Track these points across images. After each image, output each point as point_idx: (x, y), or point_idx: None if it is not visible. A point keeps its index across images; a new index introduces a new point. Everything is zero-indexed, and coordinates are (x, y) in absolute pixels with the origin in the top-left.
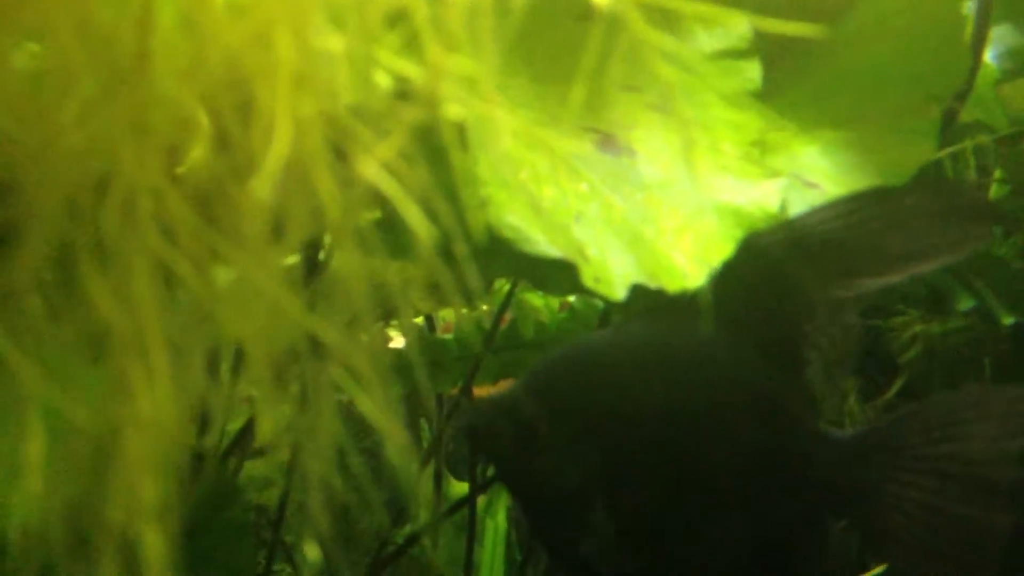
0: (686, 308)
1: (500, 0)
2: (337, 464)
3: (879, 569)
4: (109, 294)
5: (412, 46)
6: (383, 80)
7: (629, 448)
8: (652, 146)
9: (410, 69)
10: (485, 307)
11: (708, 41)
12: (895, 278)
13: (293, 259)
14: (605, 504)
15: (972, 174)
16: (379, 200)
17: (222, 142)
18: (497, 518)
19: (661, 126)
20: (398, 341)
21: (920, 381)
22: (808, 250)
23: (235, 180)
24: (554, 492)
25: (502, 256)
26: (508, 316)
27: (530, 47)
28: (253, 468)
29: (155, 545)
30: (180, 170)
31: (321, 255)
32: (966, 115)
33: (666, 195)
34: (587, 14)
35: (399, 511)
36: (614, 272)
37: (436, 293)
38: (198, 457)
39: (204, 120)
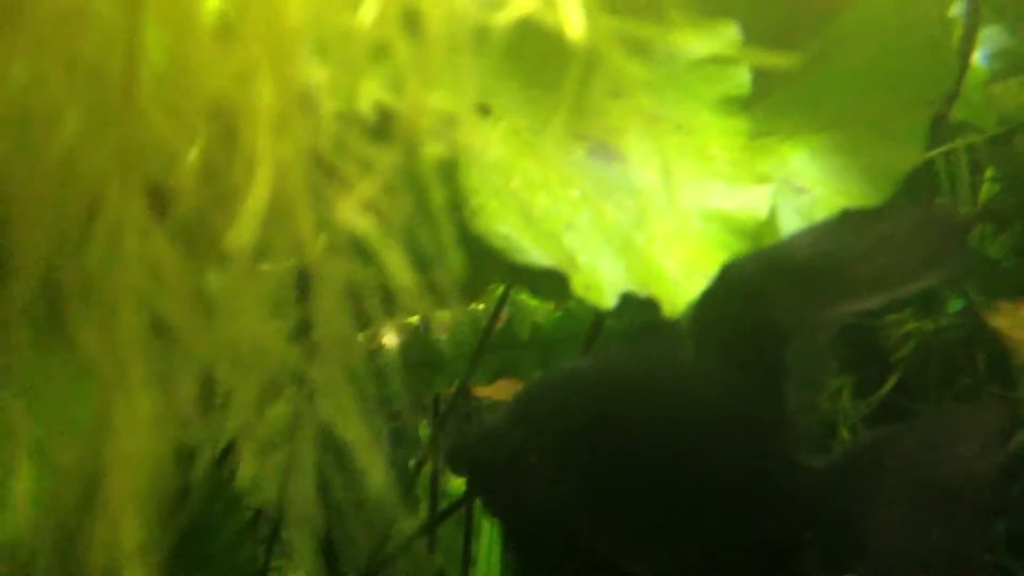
0: (667, 333)
1: (480, 30)
2: (335, 462)
3: None
4: (94, 330)
5: (395, 80)
6: (367, 112)
7: (613, 475)
8: (643, 152)
9: (393, 101)
10: (481, 306)
11: (697, 46)
12: (873, 302)
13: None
14: (590, 531)
15: (965, 172)
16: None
17: (208, 173)
18: None
19: (652, 132)
20: (393, 341)
21: (914, 378)
22: (786, 276)
23: (221, 210)
24: (541, 520)
25: (494, 263)
26: (505, 314)
27: (520, 52)
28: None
29: None
30: (167, 205)
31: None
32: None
33: (657, 201)
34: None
35: (398, 508)
36: (604, 280)
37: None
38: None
39: (191, 155)
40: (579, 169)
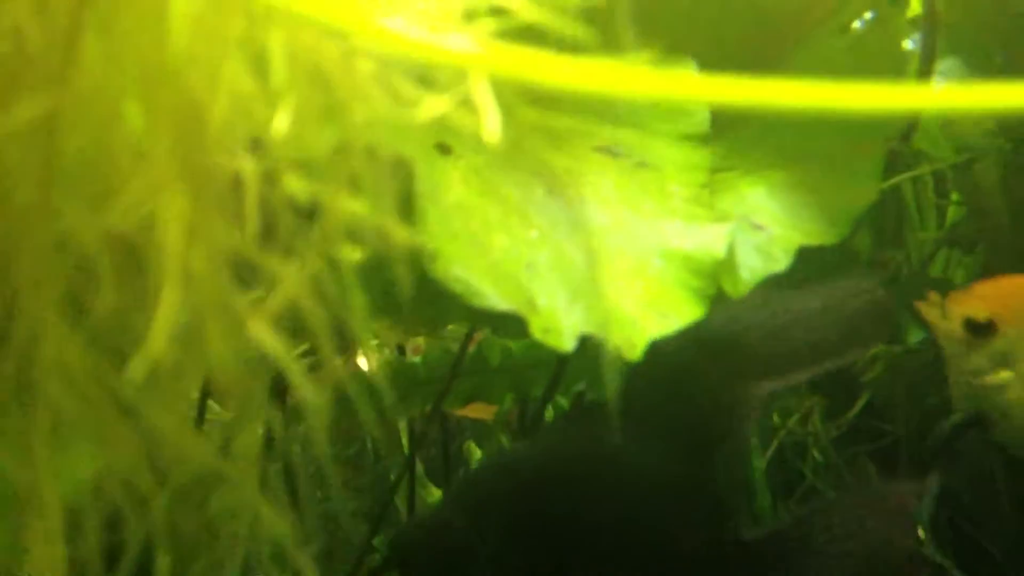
0: (599, 415)
1: None
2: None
3: None
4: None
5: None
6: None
7: (553, 559)
8: (602, 190)
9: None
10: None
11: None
12: (800, 376)
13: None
14: None
15: (932, 196)
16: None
17: (125, 281)
18: None
19: (611, 169)
20: (365, 365)
21: (883, 399)
22: (710, 354)
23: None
24: None
25: (456, 305)
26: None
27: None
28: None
29: None
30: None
31: None
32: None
33: (616, 241)
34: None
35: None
36: (563, 322)
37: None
38: None
39: (105, 260)
40: (538, 208)
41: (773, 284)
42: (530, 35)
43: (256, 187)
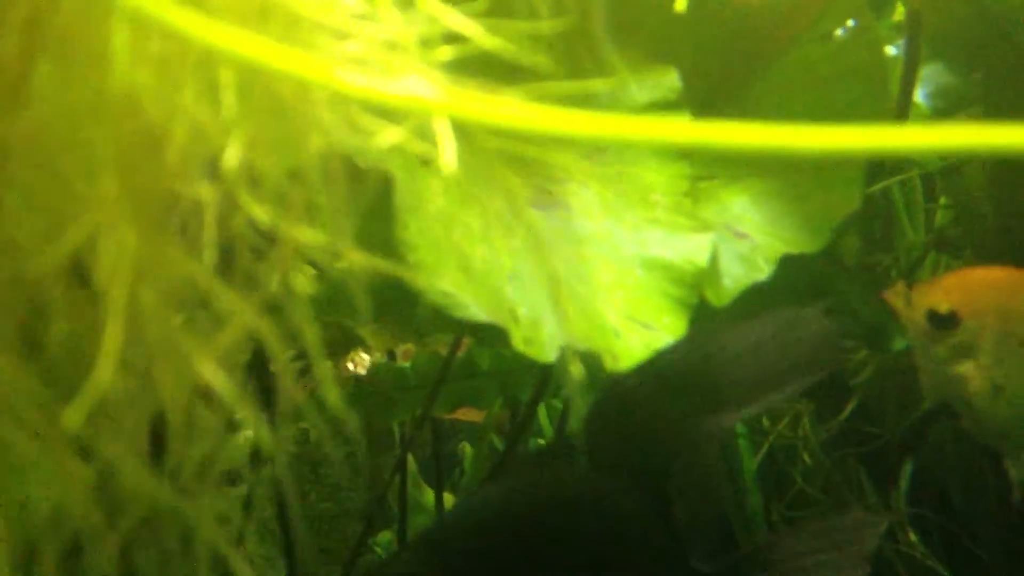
0: (563, 454)
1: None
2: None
3: None
4: None
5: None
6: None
7: None
8: (584, 199)
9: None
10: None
11: (639, 92)
12: (753, 409)
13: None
14: None
15: (920, 199)
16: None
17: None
18: None
19: (593, 179)
20: (357, 369)
21: (872, 403)
22: (667, 389)
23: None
24: None
25: (439, 317)
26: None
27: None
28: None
29: None
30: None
31: None
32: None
33: (599, 250)
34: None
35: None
36: (544, 333)
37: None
38: None
39: (57, 293)
40: (520, 218)
41: (723, 316)
42: (491, 60)
43: (213, 216)
